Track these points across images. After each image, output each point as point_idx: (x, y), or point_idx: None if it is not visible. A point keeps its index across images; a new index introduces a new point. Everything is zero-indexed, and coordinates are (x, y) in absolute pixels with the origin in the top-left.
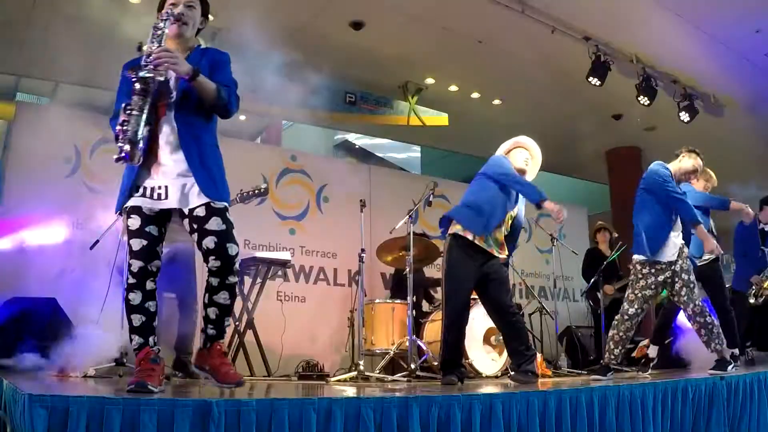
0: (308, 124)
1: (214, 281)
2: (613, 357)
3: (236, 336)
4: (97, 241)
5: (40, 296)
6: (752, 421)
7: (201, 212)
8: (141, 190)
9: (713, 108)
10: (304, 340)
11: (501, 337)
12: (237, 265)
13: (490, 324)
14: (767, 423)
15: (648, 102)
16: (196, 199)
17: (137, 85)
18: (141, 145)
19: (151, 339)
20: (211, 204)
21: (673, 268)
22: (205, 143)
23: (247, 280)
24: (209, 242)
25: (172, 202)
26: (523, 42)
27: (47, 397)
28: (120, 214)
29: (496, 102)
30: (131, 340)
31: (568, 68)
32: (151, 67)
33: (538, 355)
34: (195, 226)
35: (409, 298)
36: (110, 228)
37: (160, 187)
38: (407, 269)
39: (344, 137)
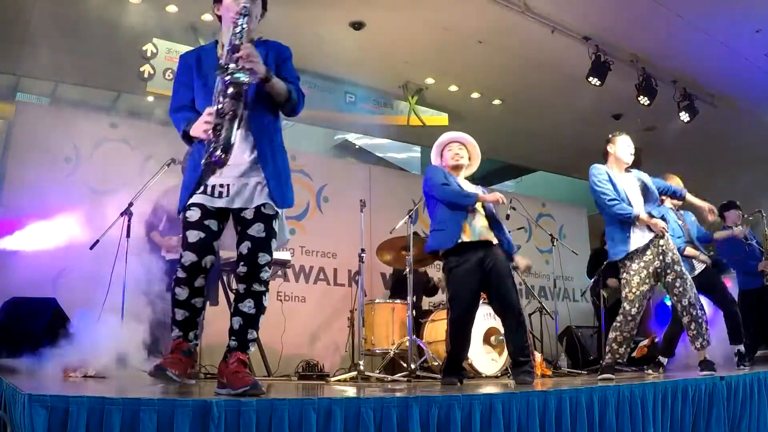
0: (308, 124)
1: (241, 287)
2: (618, 356)
3: None
4: (97, 241)
5: (40, 296)
6: (752, 421)
7: (249, 215)
8: (203, 188)
9: (713, 108)
10: (304, 340)
11: (501, 337)
12: (266, 275)
13: (490, 324)
14: (767, 423)
15: (648, 102)
16: (259, 198)
17: (231, 89)
18: (232, 150)
19: (191, 334)
20: (263, 209)
21: (662, 259)
22: (276, 144)
23: None
24: (243, 248)
25: (232, 200)
26: (523, 42)
27: (47, 397)
28: (179, 214)
29: (496, 102)
30: (172, 329)
31: (568, 68)
32: (245, 70)
33: (538, 355)
34: (239, 228)
35: (409, 298)
36: (110, 228)
37: (222, 186)
38: (407, 269)
39: (344, 137)
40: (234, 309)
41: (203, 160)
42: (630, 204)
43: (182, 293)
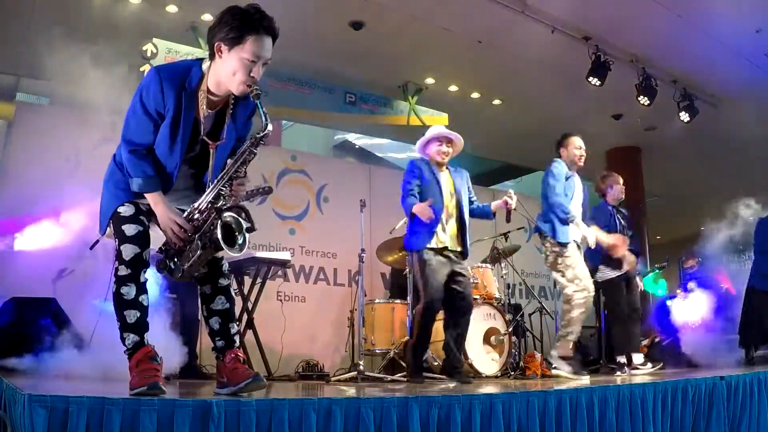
0: (308, 124)
1: (207, 288)
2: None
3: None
4: (97, 241)
5: (40, 296)
6: (752, 421)
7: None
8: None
9: (713, 108)
10: (304, 340)
11: (501, 337)
12: (226, 266)
13: (490, 324)
14: (767, 423)
15: (648, 102)
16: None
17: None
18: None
19: (146, 336)
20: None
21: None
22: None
23: (247, 280)
24: None
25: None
26: (523, 42)
27: (47, 397)
28: (102, 234)
29: (496, 102)
30: (123, 339)
31: (568, 68)
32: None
33: (538, 355)
34: None
35: (409, 298)
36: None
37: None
38: (407, 269)
39: (344, 137)
40: (207, 311)
41: (159, 263)
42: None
43: (129, 291)
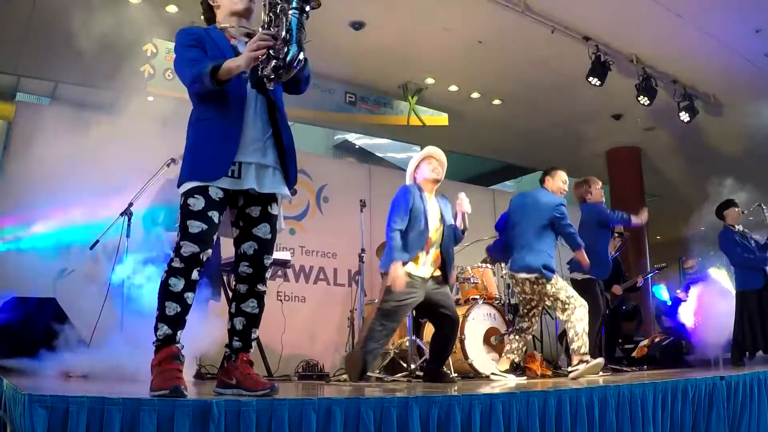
0: (308, 124)
1: (243, 288)
2: None
3: None
4: (97, 241)
5: (40, 296)
6: (752, 421)
7: (255, 213)
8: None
9: (713, 108)
10: (304, 340)
11: (501, 337)
12: (269, 275)
13: (490, 324)
14: (767, 423)
15: (648, 102)
16: (271, 184)
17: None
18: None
19: (179, 334)
20: (269, 208)
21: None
22: (286, 121)
23: None
24: (248, 248)
25: (248, 182)
26: (524, 42)
27: (47, 397)
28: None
29: (496, 102)
30: (157, 329)
31: (568, 68)
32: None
33: (538, 355)
34: (242, 224)
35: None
36: (110, 228)
37: (234, 164)
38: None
39: (344, 137)
40: (236, 309)
41: (262, 69)
42: (426, 227)
43: (178, 284)
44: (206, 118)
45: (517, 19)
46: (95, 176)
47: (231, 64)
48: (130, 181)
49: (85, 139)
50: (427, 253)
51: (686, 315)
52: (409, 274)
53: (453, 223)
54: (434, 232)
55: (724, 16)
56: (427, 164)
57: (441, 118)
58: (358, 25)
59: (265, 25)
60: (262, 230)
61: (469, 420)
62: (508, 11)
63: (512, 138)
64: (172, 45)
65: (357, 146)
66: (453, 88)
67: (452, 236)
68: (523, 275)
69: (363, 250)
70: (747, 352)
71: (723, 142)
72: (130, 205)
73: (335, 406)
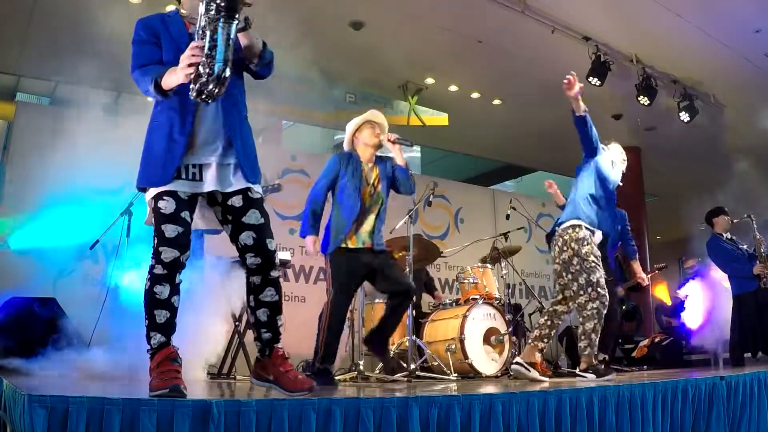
0: (308, 124)
1: (256, 279)
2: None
3: (236, 336)
4: (97, 241)
5: (40, 296)
6: (752, 421)
7: (237, 202)
8: (178, 171)
9: (713, 108)
10: (304, 340)
11: (501, 337)
12: (278, 259)
13: (490, 324)
14: (767, 423)
15: (648, 102)
16: (234, 182)
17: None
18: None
19: (172, 337)
20: (249, 194)
21: None
22: (242, 115)
23: None
24: (247, 238)
25: (209, 185)
26: (523, 42)
27: (47, 397)
28: (143, 190)
29: (496, 102)
30: (150, 338)
31: (568, 68)
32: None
33: (538, 355)
34: (230, 218)
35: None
36: (110, 228)
37: (194, 166)
38: (407, 269)
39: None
40: (255, 302)
41: (192, 88)
42: (360, 197)
43: (164, 291)
44: (157, 122)
45: (517, 19)
46: (95, 176)
47: (169, 78)
48: (130, 181)
49: (85, 139)
50: (363, 222)
51: (687, 315)
52: (343, 249)
53: (395, 171)
54: (369, 199)
55: (724, 16)
56: (369, 128)
57: (441, 118)
58: (358, 25)
59: (199, 32)
60: (253, 217)
61: (469, 420)
62: (508, 11)
63: (512, 138)
64: None
65: None
66: (453, 88)
67: (402, 188)
68: None
69: None
70: (749, 353)
71: (723, 141)
72: (130, 205)
73: (335, 406)
